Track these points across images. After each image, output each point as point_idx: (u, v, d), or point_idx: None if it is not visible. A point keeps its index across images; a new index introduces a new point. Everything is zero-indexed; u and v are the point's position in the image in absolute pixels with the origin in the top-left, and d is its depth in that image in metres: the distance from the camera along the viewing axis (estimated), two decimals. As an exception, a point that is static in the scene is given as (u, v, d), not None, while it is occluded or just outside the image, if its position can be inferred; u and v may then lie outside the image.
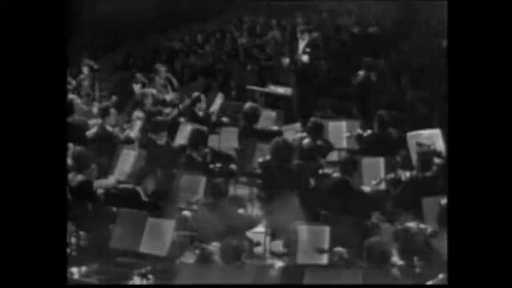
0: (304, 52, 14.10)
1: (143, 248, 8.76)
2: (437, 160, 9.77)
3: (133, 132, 11.77)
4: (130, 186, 10.00)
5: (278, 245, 9.58)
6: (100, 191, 9.70)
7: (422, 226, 8.70)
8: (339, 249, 8.27)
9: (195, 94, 12.83)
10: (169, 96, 14.12)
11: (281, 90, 14.61)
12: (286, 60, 14.35)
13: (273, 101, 14.46)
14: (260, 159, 10.29)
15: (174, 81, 14.84)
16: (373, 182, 9.92)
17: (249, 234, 9.57)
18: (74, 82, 14.92)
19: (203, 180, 9.85)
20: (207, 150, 10.81)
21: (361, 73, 13.82)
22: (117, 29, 16.11)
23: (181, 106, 13.09)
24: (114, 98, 14.29)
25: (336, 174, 9.95)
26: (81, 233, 9.44)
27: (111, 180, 9.99)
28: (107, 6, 15.82)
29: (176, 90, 14.70)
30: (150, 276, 8.50)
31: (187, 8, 16.31)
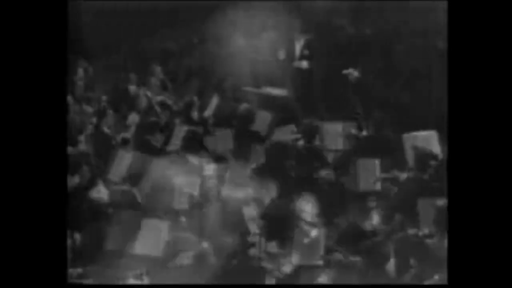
0: (302, 57, 14.11)
1: (138, 250, 8.74)
2: (433, 162, 9.79)
3: (129, 134, 11.74)
4: (125, 188, 9.98)
5: (273, 246, 9.58)
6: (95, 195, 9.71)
7: (418, 227, 8.74)
8: (336, 255, 8.29)
9: (188, 98, 12.81)
10: (164, 98, 14.09)
11: (276, 91, 14.59)
12: (281, 54, 14.36)
13: (268, 102, 14.43)
14: (256, 161, 10.28)
15: (169, 83, 14.82)
16: (370, 181, 9.93)
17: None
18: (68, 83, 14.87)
19: (198, 181, 9.84)
20: (202, 151, 10.80)
21: (355, 73, 13.81)
22: (112, 30, 16.08)
23: (175, 108, 13.06)
24: (107, 98, 14.25)
25: (331, 176, 9.95)
26: (77, 235, 9.41)
27: (101, 191, 9.93)
28: (102, 6, 15.78)
29: (170, 91, 14.67)
30: (145, 277, 8.50)
31: (182, 8, 16.28)
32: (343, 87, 13.81)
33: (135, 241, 8.77)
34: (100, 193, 9.87)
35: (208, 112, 12.71)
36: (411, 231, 8.63)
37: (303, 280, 7.77)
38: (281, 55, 14.80)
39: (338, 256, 8.22)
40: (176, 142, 11.26)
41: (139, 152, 10.56)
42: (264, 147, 10.67)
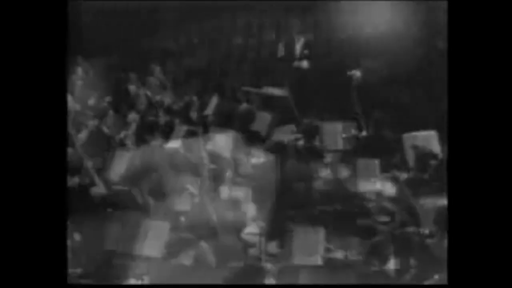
0: (302, 57, 14.09)
1: (138, 250, 8.74)
2: (433, 162, 9.79)
3: (129, 131, 11.74)
4: (125, 188, 9.97)
5: (273, 246, 9.58)
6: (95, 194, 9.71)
7: (418, 227, 8.73)
8: (336, 254, 8.29)
9: (188, 98, 12.81)
10: (163, 97, 14.09)
11: (276, 91, 14.57)
12: (280, 50, 14.34)
13: (268, 102, 14.42)
14: (255, 161, 10.27)
15: (167, 83, 14.81)
16: (370, 181, 9.94)
17: (244, 235, 9.57)
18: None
19: (197, 181, 9.84)
20: (202, 151, 10.78)
21: (357, 74, 13.81)
22: (112, 30, 16.09)
23: (175, 108, 13.06)
24: (109, 98, 14.24)
25: (330, 176, 9.95)
26: (77, 235, 9.41)
27: (100, 189, 9.94)
28: (102, 6, 15.79)
29: (169, 91, 14.66)
30: (145, 277, 8.50)
31: (182, 8, 16.29)
32: (345, 88, 13.83)
33: (135, 241, 8.76)
34: (100, 192, 9.88)
35: (207, 112, 12.71)
36: (410, 229, 8.64)
37: (302, 280, 7.76)
38: (280, 51, 14.79)
39: (338, 256, 8.23)
40: (176, 141, 11.27)
41: (139, 152, 10.56)
42: (264, 147, 10.66)
